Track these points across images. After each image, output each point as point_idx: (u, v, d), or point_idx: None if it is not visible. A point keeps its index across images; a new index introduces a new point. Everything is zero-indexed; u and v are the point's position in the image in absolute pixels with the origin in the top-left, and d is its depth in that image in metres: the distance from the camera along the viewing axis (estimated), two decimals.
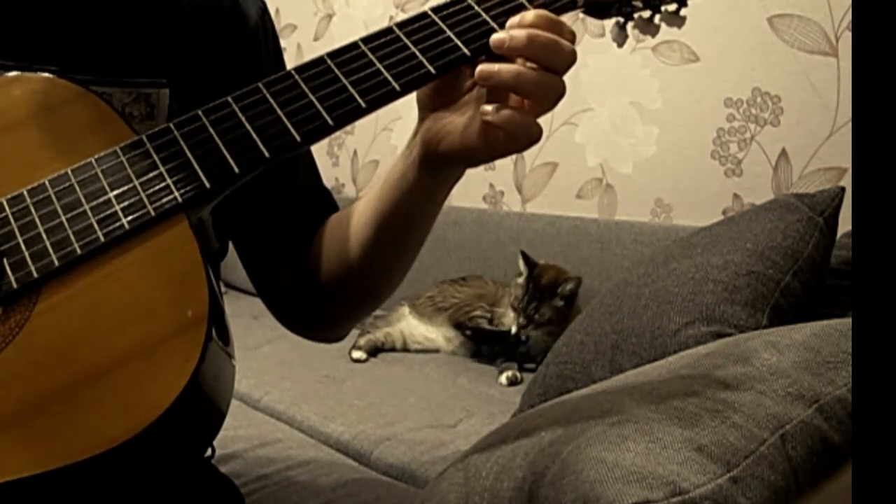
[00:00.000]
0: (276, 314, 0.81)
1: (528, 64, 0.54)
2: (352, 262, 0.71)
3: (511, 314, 1.69)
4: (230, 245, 0.82)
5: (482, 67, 0.55)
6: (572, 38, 0.55)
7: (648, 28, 0.62)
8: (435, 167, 0.61)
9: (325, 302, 0.76)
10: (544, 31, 0.54)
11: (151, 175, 0.55)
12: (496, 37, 0.55)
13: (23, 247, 0.53)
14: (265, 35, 0.79)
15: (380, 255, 0.70)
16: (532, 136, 0.55)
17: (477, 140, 0.57)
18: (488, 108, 0.55)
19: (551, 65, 0.54)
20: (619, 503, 0.48)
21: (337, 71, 0.57)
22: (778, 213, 1.14)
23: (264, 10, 0.80)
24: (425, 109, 0.60)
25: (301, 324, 0.81)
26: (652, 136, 1.82)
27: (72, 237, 0.53)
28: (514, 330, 1.67)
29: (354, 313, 0.80)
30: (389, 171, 0.66)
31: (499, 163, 2.11)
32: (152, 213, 0.53)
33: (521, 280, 1.70)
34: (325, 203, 0.80)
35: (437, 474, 0.63)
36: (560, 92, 0.55)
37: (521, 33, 0.54)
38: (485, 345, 1.77)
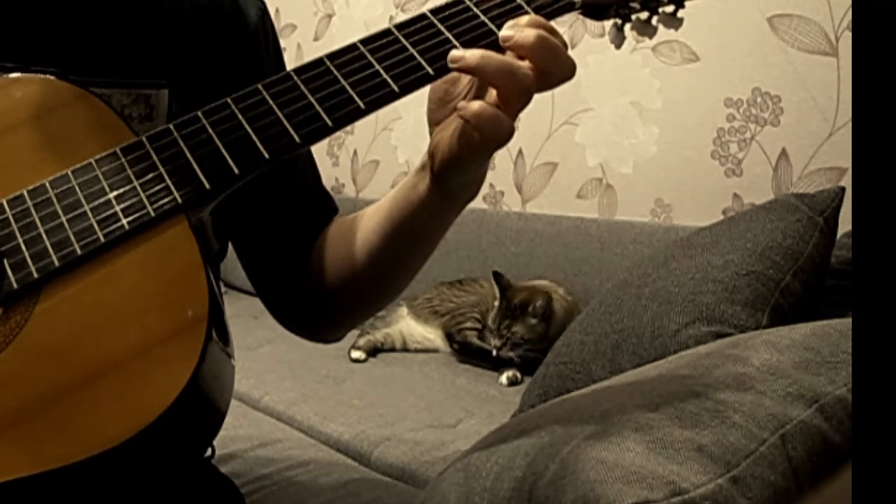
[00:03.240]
0: (275, 314, 0.81)
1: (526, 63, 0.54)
2: (356, 267, 0.71)
3: (491, 336, 1.70)
4: (230, 245, 0.82)
5: (453, 52, 0.55)
6: (565, 47, 0.55)
7: (646, 30, 0.62)
8: (440, 178, 0.61)
9: (326, 304, 0.76)
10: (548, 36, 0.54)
11: (151, 176, 0.55)
12: (504, 32, 0.55)
13: (23, 247, 0.53)
14: (265, 36, 0.79)
15: (383, 263, 0.70)
16: (500, 133, 0.54)
17: (458, 142, 0.57)
18: (462, 103, 0.55)
19: (552, 69, 0.54)
20: (619, 503, 0.48)
21: (336, 72, 0.57)
22: (778, 213, 1.14)
23: (264, 11, 0.80)
24: (432, 123, 0.61)
25: (299, 324, 0.81)
26: (652, 136, 1.82)
27: (72, 238, 0.53)
28: (494, 353, 1.68)
29: (355, 316, 0.80)
30: (403, 182, 0.66)
31: (499, 163, 2.11)
32: (152, 214, 0.54)
33: (496, 302, 1.71)
34: (325, 205, 0.80)
35: (437, 474, 0.63)
36: (526, 85, 0.54)
37: (530, 32, 0.54)
38: (472, 359, 1.78)
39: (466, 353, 1.78)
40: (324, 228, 0.77)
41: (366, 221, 0.71)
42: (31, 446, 0.46)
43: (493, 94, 0.56)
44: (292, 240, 0.77)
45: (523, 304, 1.65)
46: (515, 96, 0.54)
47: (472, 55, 0.54)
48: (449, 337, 1.82)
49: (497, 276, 1.70)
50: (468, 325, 1.79)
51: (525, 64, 0.54)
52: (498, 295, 1.70)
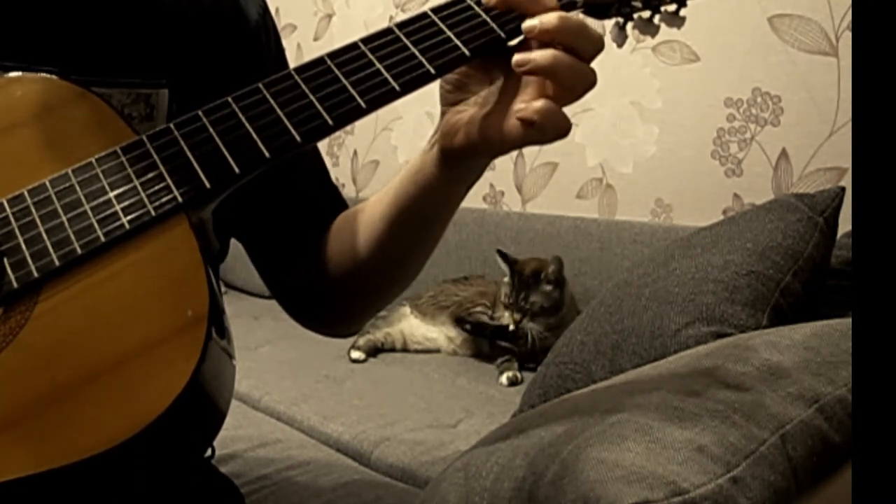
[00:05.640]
0: (288, 310, 0.82)
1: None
2: (362, 258, 0.71)
3: (506, 313, 1.70)
4: (230, 245, 0.82)
5: (518, 56, 0.55)
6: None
7: (648, 28, 0.62)
8: (453, 161, 0.61)
9: (336, 298, 0.77)
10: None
11: (151, 175, 0.55)
12: (528, 23, 0.55)
13: (23, 246, 0.53)
14: (266, 34, 0.79)
15: (391, 250, 0.70)
16: (561, 129, 0.55)
17: (494, 131, 0.57)
18: (520, 104, 0.55)
19: (581, 49, 0.54)
20: (619, 503, 0.48)
21: (337, 71, 0.57)
22: (778, 213, 1.14)
23: (265, 9, 0.80)
24: (445, 105, 0.61)
25: (312, 319, 0.81)
26: (652, 136, 1.82)
27: (72, 237, 0.53)
28: (511, 327, 1.68)
29: (365, 309, 0.80)
30: (408, 166, 0.66)
31: (499, 162, 2.11)
32: (152, 213, 0.53)
33: (506, 279, 1.72)
34: (334, 200, 0.80)
35: (437, 474, 0.63)
36: (591, 80, 0.55)
37: (552, 16, 0.54)
38: (486, 339, 1.77)
39: (481, 333, 1.77)
40: (332, 223, 0.78)
41: (370, 211, 0.71)
42: (32, 446, 0.46)
43: (529, 89, 0.56)
44: (301, 235, 0.77)
45: (535, 272, 1.66)
46: (579, 90, 0.55)
47: (544, 56, 0.54)
48: (459, 321, 1.81)
49: (502, 254, 1.72)
50: (479, 308, 1.79)
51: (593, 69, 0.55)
52: (507, 271, 1.71)
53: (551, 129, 0.55)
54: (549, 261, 1.68)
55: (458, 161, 0.61)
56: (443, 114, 0.61)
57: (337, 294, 0.76)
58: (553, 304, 1.66)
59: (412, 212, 0.66)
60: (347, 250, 0.73)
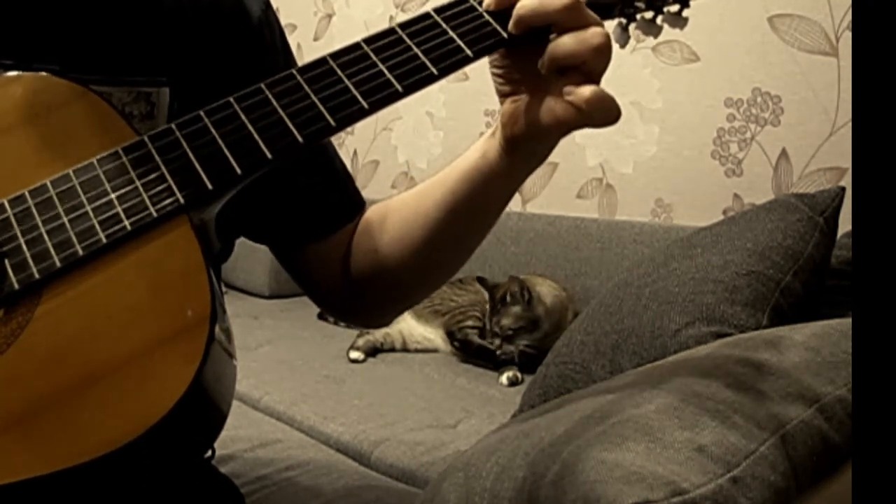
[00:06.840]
0: (319, 304, 0.83)
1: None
2: (409, 249, 0.72)
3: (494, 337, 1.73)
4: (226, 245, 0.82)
5: (540, 61, 0.57)
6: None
7: (651, 29, 0.62)
8: (515, 148, 0.63)
9: (367, 294, 0.77)
10: None
11: (153, 176, 0.55)
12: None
13: (24, 248, 0.53)
14: (270, 31, 0.79)
15: (446, 239, 0.70)
16: (610, 115, 0.55)
17: (547, 116, 0.58)
18: (570, 88, 0.56)
19: (556, 16, 0.55)
20: (619, 503, 0.48)
21: (339, 72, 0.57)
22: (778, 213, 1.14)
23: (268, 5, 0.80)
24: (502, 96, 0.63)
25: (350, 313, 0.83)
26: (652, 136, 1.83)
27: (73, 238, 0.53)
28: (498, 352, 1.69)
29: (413, 296, 0.81)
30: (465, 156, 0.68)
31: None
32: (154, 214, 0.53)
33: (487, 304, 1.74)
34: (344, 201, 0.81)
35: (437, 474, 0.63)
36: (604, 42, 0.55)
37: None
38: (473, 358, 1.79)
39: (467, 351, 1.78)
40: (341, 224, 0.78)
41: (414, 204, 0.72)
42: (34, 448, 0.46)
43: (572, 72, 0.56)
44: (306, 236, 0.77)
45: (503, 296, 1.68)
46: (600, 58, 0.55)
47: (552, 49, 0.55)
48: (450, 335, 1.83)
49: (481, 280, 1.75)
50: (469, 323, 1.79)
51: (597, 30, 0.55)
52: (487, 298, 1.73)
53: (599, 115, 0.56)
54: (514, 281, 1.68)
55: (521, 147, 0.63)
56: (501, 104, 0.63)
57: (368, 289, 0.77)
58: (528, 322, 1.66)
59: (474, 198, 0.67)
60: (384, 245, 0.73)
